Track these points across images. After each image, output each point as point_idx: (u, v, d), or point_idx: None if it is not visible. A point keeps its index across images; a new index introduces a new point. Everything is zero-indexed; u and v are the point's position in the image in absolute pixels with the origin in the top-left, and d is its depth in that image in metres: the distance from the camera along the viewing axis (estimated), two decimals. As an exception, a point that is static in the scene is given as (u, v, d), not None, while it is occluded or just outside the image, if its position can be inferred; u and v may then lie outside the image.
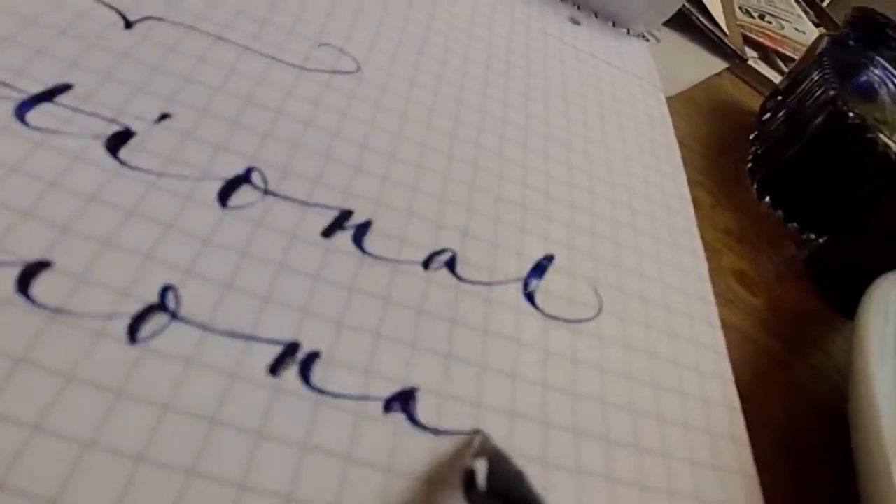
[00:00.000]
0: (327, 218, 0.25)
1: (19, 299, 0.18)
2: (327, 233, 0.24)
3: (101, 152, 0.23)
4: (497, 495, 0.17)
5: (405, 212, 0.26)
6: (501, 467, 0.18)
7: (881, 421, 0.24)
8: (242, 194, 0.24)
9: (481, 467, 0.18)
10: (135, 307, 0.19)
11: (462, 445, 0.20)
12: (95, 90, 0.24)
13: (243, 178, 0.24)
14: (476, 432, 0.21)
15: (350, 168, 0.27)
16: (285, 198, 0.24)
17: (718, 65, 0.55)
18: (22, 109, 0.22)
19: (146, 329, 0.19)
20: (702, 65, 0.53)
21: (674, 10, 0.46)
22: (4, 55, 0.24)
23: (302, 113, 0.28)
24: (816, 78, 0.40)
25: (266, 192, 0.24)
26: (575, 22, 0.44)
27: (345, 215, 0.25)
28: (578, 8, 0.46)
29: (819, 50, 0.42)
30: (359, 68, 0.31)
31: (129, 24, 0.27)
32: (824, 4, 0.84)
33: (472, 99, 0.33)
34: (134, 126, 0.24)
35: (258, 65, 0.28)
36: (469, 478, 0.18)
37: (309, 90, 0.29)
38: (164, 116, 0.25)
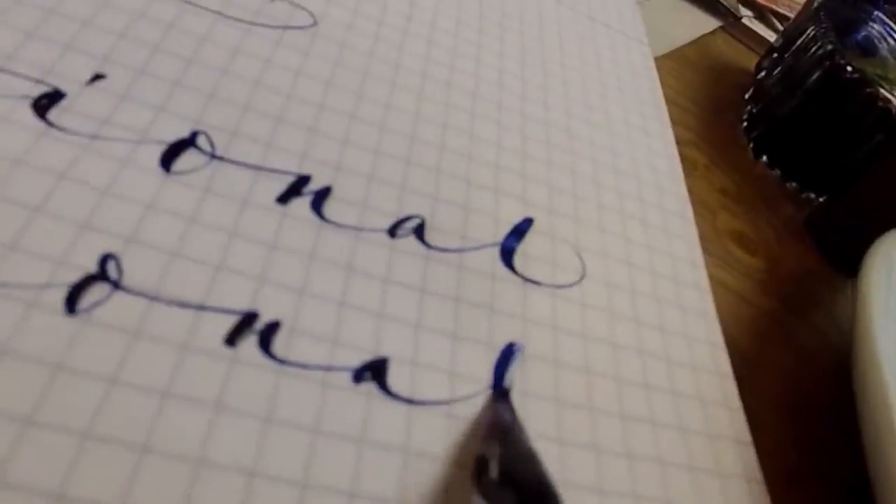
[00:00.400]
0: (282, 184, 0.25)
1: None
2: (283, 199, 0.25)
3: (27, 114, 0.23)
4: (509, 481, 0.18)
5: (367, 177, 0.27)
6: (514, 450, 0.19)
7: (886, 379, 0.24)
8: (188, 159, 0.24)
9: (493, 454, 0.18)
10: (72, 276, 0.19)
11: (471, 429, 0.21)
12: (18, 48, 0.24)
13: (188, 142, 0.25)
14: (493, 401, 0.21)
15: (306, 130, 0.27)
16: (235, 162, 0.25)
17: (712, 24, 0.56)
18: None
19: (86, 300, 0.19)
20: (695, 24, 0.54)
21: None
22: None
23: (251, 72, 0.28)
24: (813, 33, 0.41)
25: (213, 156, 0.25)
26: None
27: (302, 181, 0.25)
28: None
29: (815, 4, 0.44)
30: (315, 23, 0.31)
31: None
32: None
33: (439, 54, 0.34)
34: (63, 87, 0.24)
35: (202, 21, 0.29)
36: (481, 466, 0.19)
37: (259, 47, 0.29)
38: (97, 77, 0.25)
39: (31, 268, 0.19)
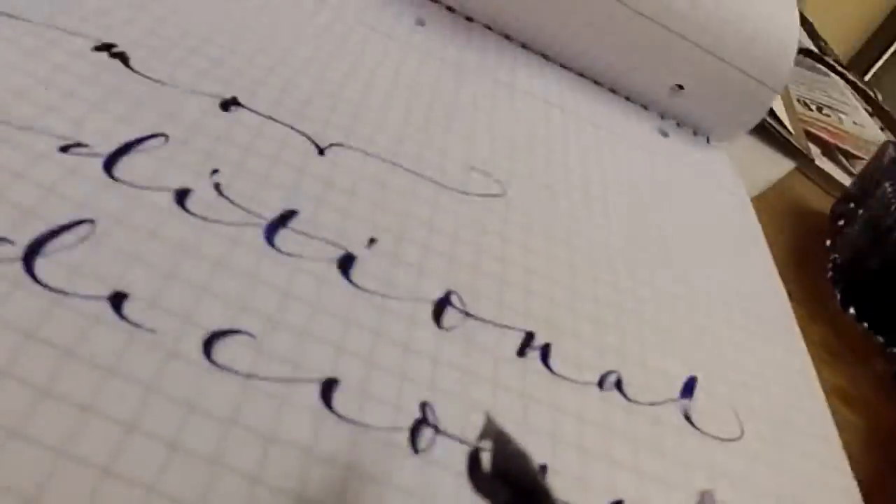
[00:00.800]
0: (516, 339, 0.31)
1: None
2: (521, 352, 0.30)
3: (336, 275, 0.28)
4: (501, 477, 0.18)
5: (572, 334, 0.33)
6: (506, 448, 0.19)
7: None
8: (448, 316, 0.30)
9: (486, 449, 0.19)
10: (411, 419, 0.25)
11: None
12: (316, 216, 0.30)
13: (445, 301, 0.30)
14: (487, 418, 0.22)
15: (523, 291, 0.33)
16: (482, 320, 0.31)
17: (784, 164, 0.63)
18: (269, 235, 0.28)
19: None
20: (769, 165, 0.61)
21: (758, 121, 0.54)
22: (241, 184, 0.30)
23: (472, 237, 0.34)
24: (890, 189, 0.47)
25: (467, 314, 0.30)
26: (664, 134, 0.52)
27: (529, 336, 0.31)
28: (662, 117, 0.54)
29: (887, 158, 0.50)
30: (505, 192, 0.38)
31: (321, 151, 0.33)
32: (879, 98, 0.95)
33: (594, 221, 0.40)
34: (353, 250, 0.30)
35: (429, 190, 0.35)
36: (474, 460, 0.20)
37: (473, 214, 0.35)
38: (372, 241, 0.31)
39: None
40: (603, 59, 0.51)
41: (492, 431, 0.20)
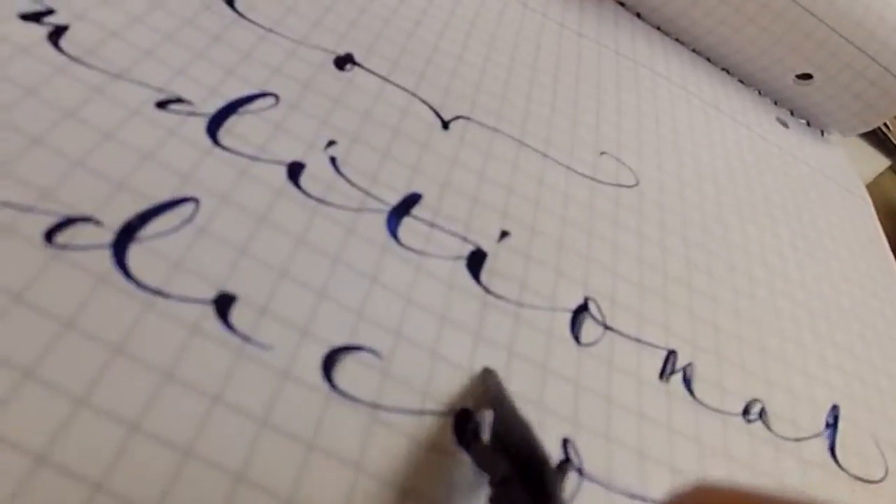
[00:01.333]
0: (658, 358, 0.25)
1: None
2: (662, 374, 0.25)
3: (465, 276, 0.23)
4: (501, 448, 0.17)
5: (714, 352, 0.27)
6: (507, 418, 0.18)
7: None
8: (587, 329, 0.24)
9: (486, 419, 0.18)
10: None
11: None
12: (440, 202, 0.24)
13: (583, 309, 0.25)
14: (487, 371, 0.20)
15: (661, 300, 0.27)
16: (621, 333, 0.25)
17: (879, 161, 0.56)
18: (391, 225, 0.23)
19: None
20: (867, 162, 0.55)
21: (886, 118, 0.47)
22: (360, 158, 0.24)
23: (607, 233, 0.28)
24: None
25: (606, 326, 0.25)
26: (783, 124, 0.46)
27: (670, 355, 0.25)
28: (776, 104, 0.48)
29: None
30: (637, 182, 0.32)
31: (445, 125, 0.27)
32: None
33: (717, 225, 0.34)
34: (484, 245, 0.24)
35: (559, 176, 0.29)
36: (474, 432, 0.18)
37: (606, 206, 0.29)
38: (503, 234, 0.25)
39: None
40: (732, 41, 0.44)
41: (492, 391, 0.19)
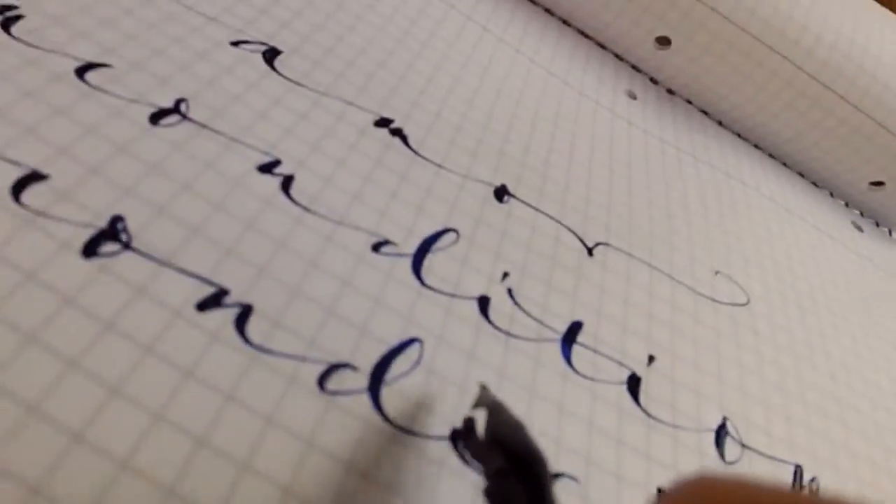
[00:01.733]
0: (787, 474, 0.27)
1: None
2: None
3: (628, 399, 0.25)
4: (496, 444, 0.18)
5: (834, 468, 0.29)
6: (501, 417, 0.19)
7: None
8: (729, 448, 0.26)
9: (480, 417, 0.19)
10: None
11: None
12: (597, 328, 0.27)
13: (722, 428, 0.27)
14: (482, 387, 0.21)
15: (783, 418, 0.29)
16: (756, 451, 0.27)
17: None
18: (565, 352, 0.25)
19: None
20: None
21: None
22: (530, 289, 0.26)
23: (732, 354, 0.30)
24: None
25: (743, 445, 0.27)
26: (858, 228, 0.48)
27: (797, 471, 0.27)
28: (862, 215, 0.50)
29: None
30: (748, 300, 0.34)
31: (590, 252, 0.30)
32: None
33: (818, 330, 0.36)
34: (637, 370, 0.26)
35: (687, 299, 0.31)
36: (468, 427, 0.19)
37: (726, 326, 0.31)
38: (651, 359, 0.27)
39: None
40: (810, 151, 0.46)
41: (487, 400, 0.19)
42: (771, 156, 0.49)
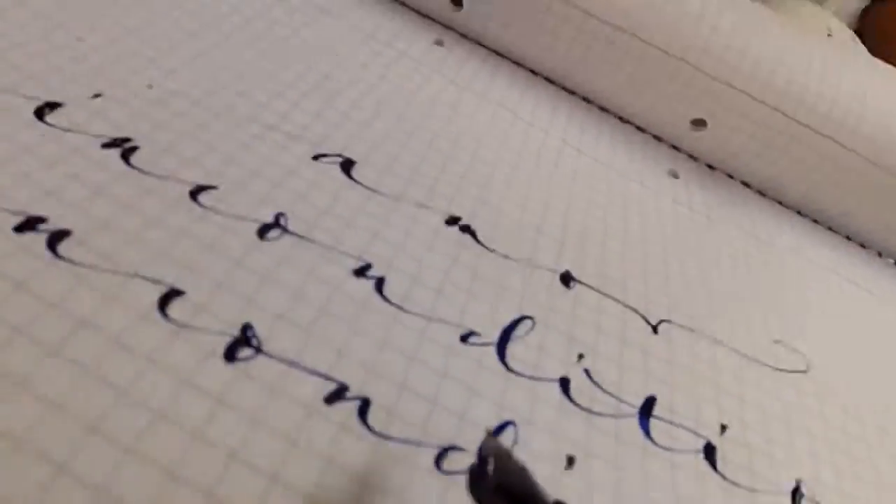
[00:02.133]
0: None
1: None
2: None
3: (706, 466, 0.27)
4: (502, 489, 0.18)
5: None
6: (506, 463, 0.19)
7: None
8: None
9: (488, 463, 0.19)
10: None
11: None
12: (671, 401, 0.29)
13: (797, 490, 0.29)
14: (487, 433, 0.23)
15: (853, 479, 0.31)
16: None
17: None
18: (644, 426, 0.27)
19: None
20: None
21: None
22: (604, 368, 0.29)
23: (799, 421, 0.32)
24: None
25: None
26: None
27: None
28: (881, 256, 0.52)
29: None
30: (808, 367, 0.36)
31: (654, 329, 0.32)
32: None
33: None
34: (712, 439, 0.29)
35: (751, 370, 0.33)
36: (476, 475, 0.20)
37: (790, 395, 0.33)
38: (723, 428, 0.29)
39: None
40: (849, 211, 0.49)
41: (492, 448, 0.21)
42: (815, 221, 0.51)
